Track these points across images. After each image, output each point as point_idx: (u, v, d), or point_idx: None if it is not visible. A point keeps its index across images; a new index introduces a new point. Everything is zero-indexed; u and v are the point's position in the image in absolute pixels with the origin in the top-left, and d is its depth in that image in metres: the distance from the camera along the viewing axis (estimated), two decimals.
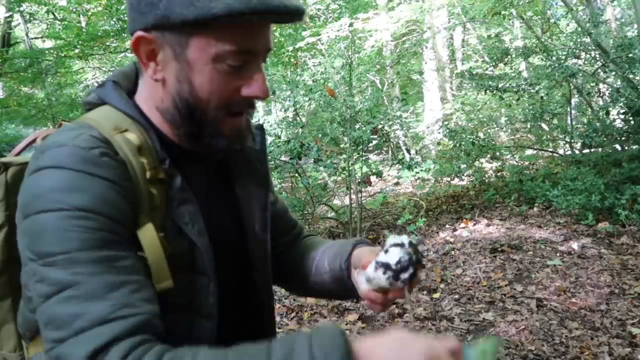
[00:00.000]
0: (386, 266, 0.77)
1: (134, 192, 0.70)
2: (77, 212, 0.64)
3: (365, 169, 5.47)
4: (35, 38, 13.95)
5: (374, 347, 0.59)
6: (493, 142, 7.25)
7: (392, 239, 0.79)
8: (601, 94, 6.40)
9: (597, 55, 6.00)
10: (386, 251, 0.78)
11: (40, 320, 0.64)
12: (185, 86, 0.73)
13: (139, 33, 0.72)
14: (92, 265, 0.63)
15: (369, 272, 0.78)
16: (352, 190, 5.25)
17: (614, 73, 5.67)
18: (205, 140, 0.78)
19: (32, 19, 11.53)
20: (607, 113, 5.84)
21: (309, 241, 1.09)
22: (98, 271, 0.63)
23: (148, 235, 0.70)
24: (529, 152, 8.02)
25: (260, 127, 0.95)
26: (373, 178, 5.98)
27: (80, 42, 9.93)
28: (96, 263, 0.63)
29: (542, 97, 6.86)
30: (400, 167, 6.28)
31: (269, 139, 5.39)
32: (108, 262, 0.64)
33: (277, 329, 1.16)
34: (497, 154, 6.93)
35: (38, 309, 0.64)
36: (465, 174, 6.80)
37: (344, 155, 5.27)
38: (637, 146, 5.54)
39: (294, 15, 0.70)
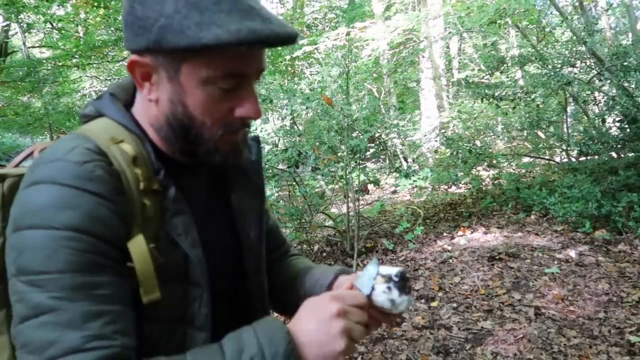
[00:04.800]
0: (392, 280, 0.77)
1: (127, 205, 0.71)
2: (65, 231, 0.64)
3: (362, 177, 5.47)
4: (33, 47, 13.97)
5: (298, 320, 0.72)
6: (490, 150, 7.27)
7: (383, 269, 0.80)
8: (597, 102, 6.44)
9: (593, 64, 6.04)
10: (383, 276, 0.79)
11: (17, 340, 0.65)
12: (179, 107, 0.74)
13: (134, 57, 0.73)
14: (72, 291, 0.63)
15: (376, 291, 0.78)
16: (349, 199, 5.25)
17: (609, 81, 5.70)
18: (200, 156, 0.79)
19: (30, 29, 11.55)
20: (603, 121, 5.87)
21: (294, 261, 1.10)
22: (77, 298, 0.63)
23: (138, 246, 0.70)
24: (525, 159, 8.04)
25: (256, 139, 0.96)
26: (370, 186, 5.98)
27: (78, 51, 9.96)
28: (76, 289, 0.64)
29: (538, 105, 6.90)
30: (398, 175, 6.28)
31: (267, 148, 5.40)
32: (88, 289, 0.64)
33: None
34: (494, 161, 6.95)
35: (16, 327, 0.65)
36: (462, 182, 6.81)
37: (342, 164, 5.27)
38: (633, 154, 5.56)
39: (285, 42, 0.70)
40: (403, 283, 0.77)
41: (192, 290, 0.78)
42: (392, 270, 0.78)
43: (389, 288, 0.77)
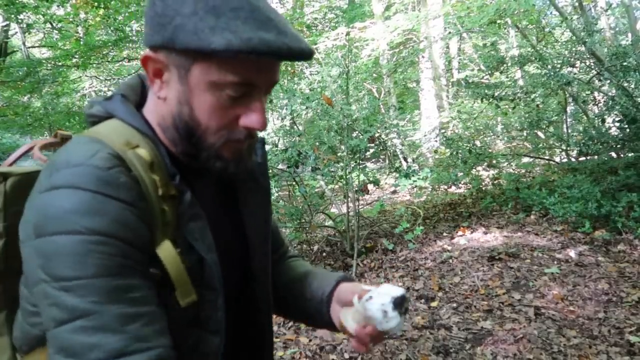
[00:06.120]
0: (392, 295, 0.79)
1: (149, 211, 0.70)
2: (94, 236, 0.64)
3: (362, 177, 5.47)
4: (33, 47, 13.96)
5: None
6: (489, 150, 7.28)
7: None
8: (596, 102, 6.45)
9: (592, 64, 6.05)
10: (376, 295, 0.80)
11: (51, 345, 0.64)
12: (185, 109, 0.74)
13: (148, 52, 0.73)
14: (107, 295, 0.63)
15: (371, 305, 0.79)
16: (349, 199, 5.25)
17: (608, 81, 5.71)
18: (201, 161, 0.78)
19: (29, 30, 11.55)
20: (603, 121, 5.87)
21: (293, 263, 1.10)
22: (112, 301, 0.63)
23: (167, 252, 0.70)
24: (525, 159, 8.05)
25: (262, 141, 0.95)
26: (370, 186, 5.98)
27: (78, 51, 9.96)
28: (111, 292, 0.63)
29: (537, 105, 6.91)
30: (398, 175, 6.28)
31: (266, 148, 5.39)
32: (123, 292, 0.64)
33: (274, 339, 1.16)
34: (494, 161, 6.95)
35: (49, 332, 0.64)
36: (462, 182, 6.81)
37: (341, 164, 5.27)
38: (632, 154, 5.56)
39: (298, 57, 0.69)
40: (401, 301, 0.78)
41: (207, 294, 0.77)
42: (395, 289, 0.80)
43: (385, 301, 0.78)
